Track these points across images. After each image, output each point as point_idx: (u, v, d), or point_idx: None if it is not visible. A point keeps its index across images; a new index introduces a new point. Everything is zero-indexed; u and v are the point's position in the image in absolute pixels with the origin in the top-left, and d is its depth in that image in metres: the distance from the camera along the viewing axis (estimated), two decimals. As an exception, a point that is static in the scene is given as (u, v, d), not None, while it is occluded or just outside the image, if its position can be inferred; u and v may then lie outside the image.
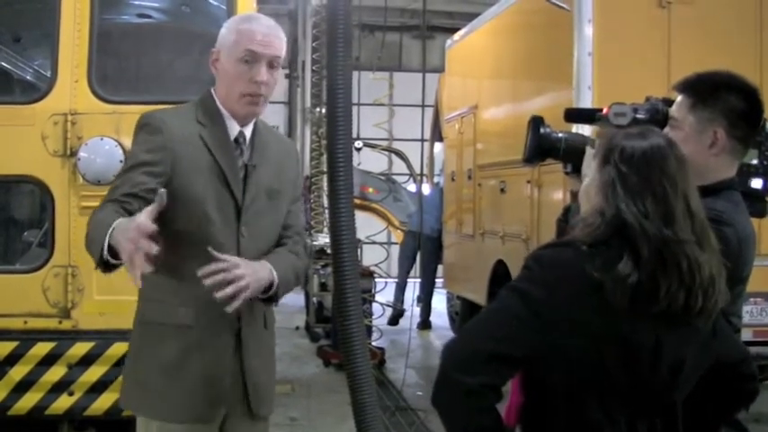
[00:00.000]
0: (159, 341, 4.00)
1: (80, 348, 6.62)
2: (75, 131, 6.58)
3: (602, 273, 2.88)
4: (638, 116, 3.89)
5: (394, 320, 16.38)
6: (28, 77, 9.43)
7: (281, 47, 4.16)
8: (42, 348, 6.56)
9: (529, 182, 10.59)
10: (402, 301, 16.82)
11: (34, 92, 7.48)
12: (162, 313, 4.00)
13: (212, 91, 4.14)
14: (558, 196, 9.44)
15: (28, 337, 6.60)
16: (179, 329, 3.98)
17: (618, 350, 2.94)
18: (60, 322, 6.67)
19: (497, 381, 2.97)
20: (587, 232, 2.98)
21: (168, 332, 3.99)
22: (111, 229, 3.55)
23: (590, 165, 3.63)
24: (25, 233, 8.21)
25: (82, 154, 6.51)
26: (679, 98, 3.73)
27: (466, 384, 2.92)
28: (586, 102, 8.78)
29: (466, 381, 2.92)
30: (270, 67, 4.08)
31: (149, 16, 7.55)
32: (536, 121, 4.11)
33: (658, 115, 3.86)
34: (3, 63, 9.34)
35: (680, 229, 2.93)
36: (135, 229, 3.40)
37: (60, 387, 6.53)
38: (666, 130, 3.67)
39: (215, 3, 7.21)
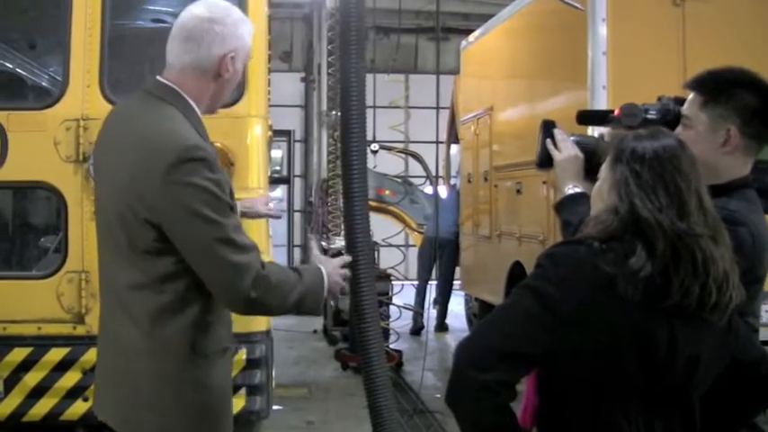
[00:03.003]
0: (212, 368, 3.92)
1: (94, 354, 6.55)
2: (88, 137, 6.56)
3: (614, 267, 2.90)
4: (649, 116, 3.86)
5: (416, 332, 16.35)
6: (43, 83, 9.44)
7: None
8: (57, 354, 6.57)
9: (545, 183, 10.56)
10: (423, 307, 16.76)
11: (47, 98, 7.47)
12: (219, 342, 3.94)
13: (180, 92, 3.90)
14: (575, 197, 9.39)
15: (42, 343, 6.60)
16: (223, 353, 3.97)
17: (632, 345, 2.94)
18: (74, 328, 6.67)
19: (511, 378, 2.98)
20: (600, 229, 3.01)
21: (218, 358, 3.94)
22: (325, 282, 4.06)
23: (564, 146, 3.67)
24: (42, 239, 8.21)
25: (94, 159, 6.51)
26: (690, 96, 3.70)
27: (479, 381, 2.93)
28: (601, 101, 8.74)
29: (479, 377, 2.93)
30: None
31: (161, 20, 7.52)
32: (547, 126, 4.09)
33: (669, 115, 3.83)
34: (18, 69, 9.35)
35: (694, 222, 2.94)
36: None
37: (75, 393, 6.53)
38: (679, 129, 3.64)
39: (227, 7, 7.19)
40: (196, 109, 3.92)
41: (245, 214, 4.90)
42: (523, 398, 3.23)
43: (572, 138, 4.03)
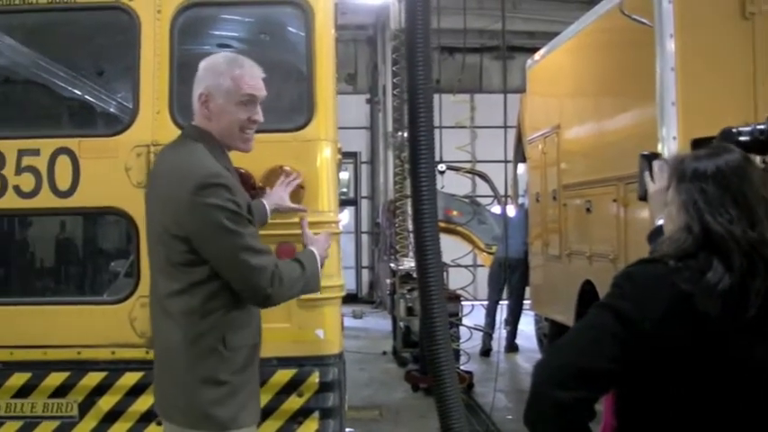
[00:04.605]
0: (238, 358, 4.60)
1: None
2: (158, 163, 6.59)
3: (691, 284, 2.90)
4: (741, 139, 3.84)
5: (485, 353, 16.28)
6: (111, 110, 9.51)
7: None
8: (130, 378, 6.59)
9: (615, 200, 10.46)
10: (492, 327, 16.68)
11: (117, 124, 7.52)
12: (246, 338, 4.64)
13: (204, 129, 4.64)
14: (646, 214, 9.29)
15: (116, 368, 6.62)
16: (253, 348, 4.71)
17: (711, 361, 2.93)
18: (148, 352, 6.67)
19: (589, 396, 2.97)
20: (674, 247, 3.01)
21: (253, 353, 4.70)
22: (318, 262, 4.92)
23: (660, 177, 3.63)
24: (112, 263, 8.26)
25: (165, 185, 6.54)
26: None
27: (557, 399, 2.92)
28: (671, 118, 8.63)
29: (557, 395, 2.92)
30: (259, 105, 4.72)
31: (229, 45, 7.55)
32: (647, 158, 4.10)
33: (762, 136, 3.79)
34: (87, 96, 9.44)
35: (766, 230, 2.94)
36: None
37: (149, 417, 6.54)
38: None
39: (294, 30, 7.20)
40: (220, 143, 4.66)
41: (275, 211, 5.74)
42: (602, 419, 3.21)
43: None
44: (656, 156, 4.11)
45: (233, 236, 4.39)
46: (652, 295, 2.93)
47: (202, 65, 4.70)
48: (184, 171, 4.48)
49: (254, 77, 4.66)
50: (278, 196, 5.86)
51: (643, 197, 4.13)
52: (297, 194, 6.17)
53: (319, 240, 5.08)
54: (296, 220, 5.67)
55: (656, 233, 3.85)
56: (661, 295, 2.92)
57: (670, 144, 8.43)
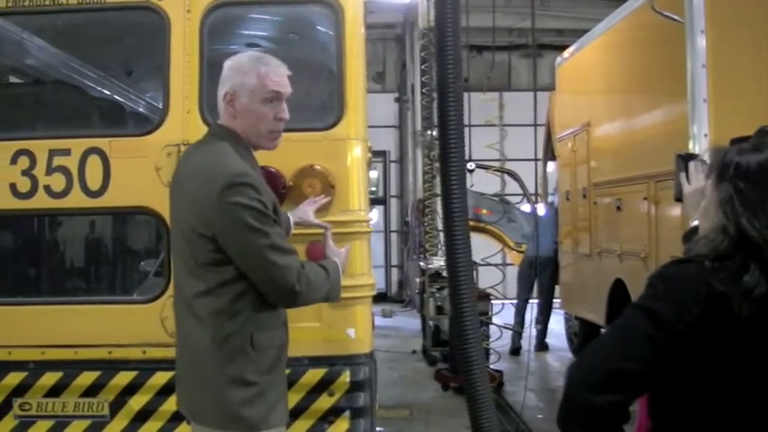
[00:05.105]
0: (278, 362, 4.63)
1: (198, 378, 6.61)
2: (189, 162, 6.60)
3: (727, 286, 2.85)
4: None
5: (514, 352, 16.24)
6: (141, 110, 9.54)
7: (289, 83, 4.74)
8: (161, 378, 6.59)
9: (646, 198, 10.41)
10: (522, 326, 16.63)
11: (147, 124, 7.53)
12: (273, 338, 4.61)
13: (230, 129, 4.62)
14: (677, 212, 9.26)
15: (147, 367, 6.64)
16: (279, 348, 4.66)
17: (746, 364, 2.88)
18: (178, 351, 6.69)
19: (624, 399, 2.93)
20: (710, 248, 2.95)
21: (280, 354, 4.66)
22: (340, 272, 4.88)
23: (696, 177, 3.59)
24: (142, 263, 8.28)
25: (195, 184, 6.54)
26: None
27: (592, 403, 2.89)
28: (702, 115, 8.58)
29: (592, 399, 2.89)
30: (285, 102, 4.69)
31: (258, 45, 7.55)
32: (683, 159, 4.07)
33: None
34: (116, 96, 9.47)
35: None
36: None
37: (179, 416, 6.53)
38: None
39: (323, 29, 7.20)
40: (246, 143, 4.64)
41: (298, 224, 5.62)
42: (636, 421, 3.18)
43: None
44: (692, 156, 4.08)
45: (259, 235, 4.37)
46: (687, 296, 2.89)
47: (227, 64, 4.67)
48: (211, 170, 4.46)
49: (278, 75, 4.64)
50: (302, 211, 5.81)
51: (679, 198, 4.10)
52: (328, 194, 6.19)
53: (341, 253, 5.09)
54: (327, 218, 5.65)
55: (692, 233, 3.82)
56: (696, 296, 2.88)
57: (701, 141, 8.39)
